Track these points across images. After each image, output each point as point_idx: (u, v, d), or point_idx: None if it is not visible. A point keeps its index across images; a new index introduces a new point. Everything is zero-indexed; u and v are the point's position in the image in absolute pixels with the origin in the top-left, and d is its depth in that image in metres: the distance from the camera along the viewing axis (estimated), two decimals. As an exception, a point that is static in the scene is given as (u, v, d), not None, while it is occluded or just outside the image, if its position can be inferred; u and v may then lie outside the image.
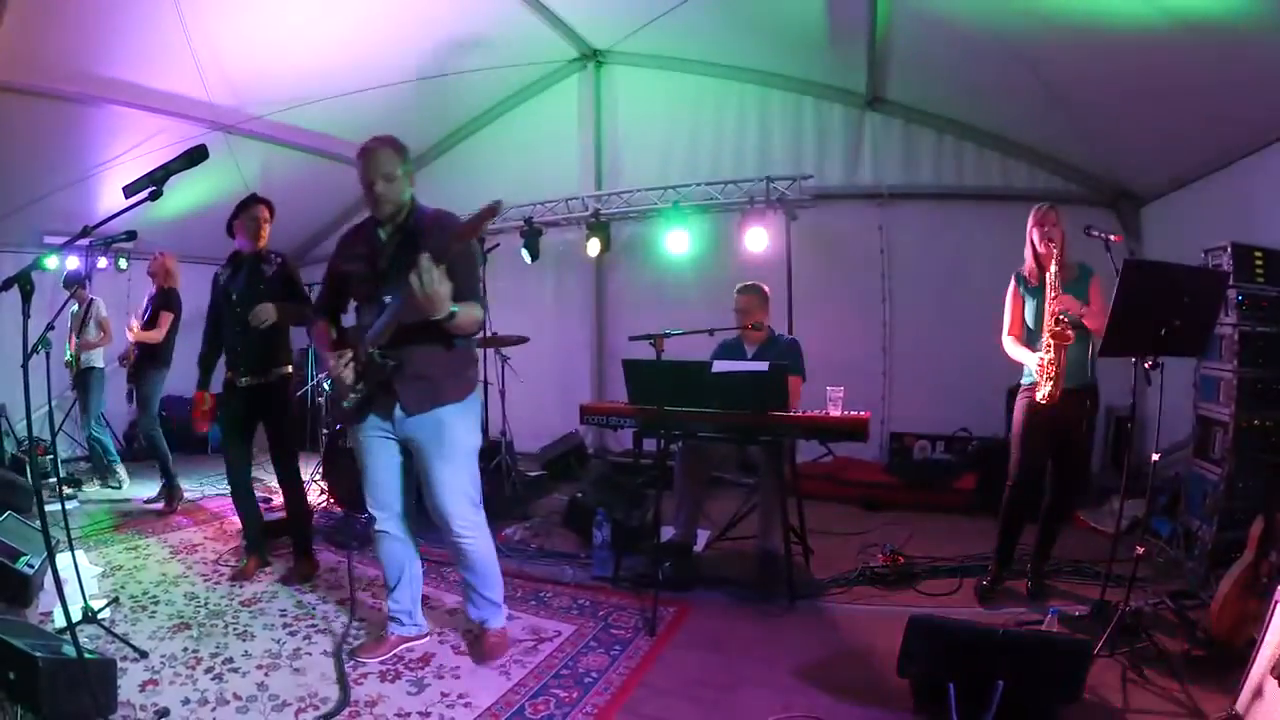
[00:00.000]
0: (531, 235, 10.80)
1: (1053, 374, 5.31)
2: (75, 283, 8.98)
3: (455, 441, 4.59)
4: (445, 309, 4.00)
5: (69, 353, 9.13)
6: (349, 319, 4.89)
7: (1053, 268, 5.39)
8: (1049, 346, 5.30)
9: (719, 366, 5.99)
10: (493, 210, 3.97)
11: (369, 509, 4.81)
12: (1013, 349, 5.81)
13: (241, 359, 6.18)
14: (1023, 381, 5.73)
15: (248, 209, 6.28)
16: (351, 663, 4.72)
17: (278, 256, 6.30)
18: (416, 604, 5.04)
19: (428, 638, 5.12)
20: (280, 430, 6.28)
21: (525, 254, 10.85)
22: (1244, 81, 6.13)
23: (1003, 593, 5.83)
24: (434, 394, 4.51)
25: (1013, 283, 5.86)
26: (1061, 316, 5.26)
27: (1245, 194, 6.89)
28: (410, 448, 4.66)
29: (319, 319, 4.89)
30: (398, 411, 4.53)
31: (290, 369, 6.32)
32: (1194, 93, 6.61)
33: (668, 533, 6.53)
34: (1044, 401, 5.37)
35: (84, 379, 9.21)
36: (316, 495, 8.91)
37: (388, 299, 4.38)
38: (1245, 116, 6.50)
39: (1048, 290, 5.40)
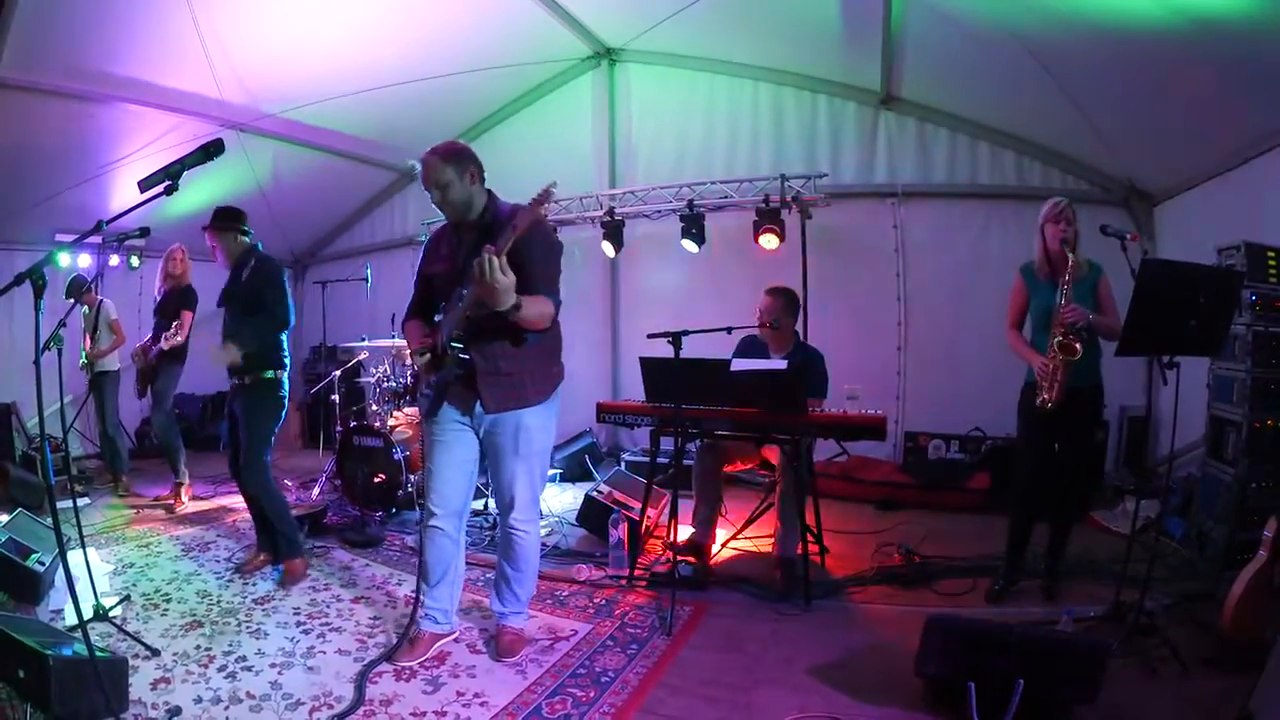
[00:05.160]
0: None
1: (1055, 381, 5.33)
2: (81, 288, 8.94)
3: (532, 442, 4.70)
4: (507, 301, 4.05)
5: (85, 355, 9.12)
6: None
7: (1067, 276, 5.37)
8: (1054, 356, 5.31)
9: (737, 365, 5.98)
10: (545, 195, 4.03)
11: (428, 503, 4.80)
12: (1015, 345, 5.81)
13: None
14: (1027, 380, 5.72)
15: (205, 234, 6.38)
16: (391, 668, 4.69)
17: (255, 261, 6.31)
18: (454, 603, 5.05)
19: (456, 635, 5.13)
20: (249, 433, 6.21)
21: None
22: (1258, 81, 6.09)
23: (1016, 593, 5.80)
24: (516, 395, 4.60)
25: (1018, 276, 5.84)
26: (1070, 336, 5.26)
27: (1259, 193, 6.84)
28: (485, 440, 4.73)
29: (410, 320, 4.97)
30: (477, 407, 4.61)
31: (277, 373, 6.27)
32: (1208, 92, 6.57)
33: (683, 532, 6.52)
34: (1042, 406, 5.38)
35: (99, 382, 9.23)
36: (331, 493, 8.93)
37: (463, 293, 4.42)
38: (1259, 116, 6.46)
39: (1060, 297, 5.38)
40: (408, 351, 4.67)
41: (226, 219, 6.34)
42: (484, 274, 3.88)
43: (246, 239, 6.36)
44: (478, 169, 4.63)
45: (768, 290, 6.79)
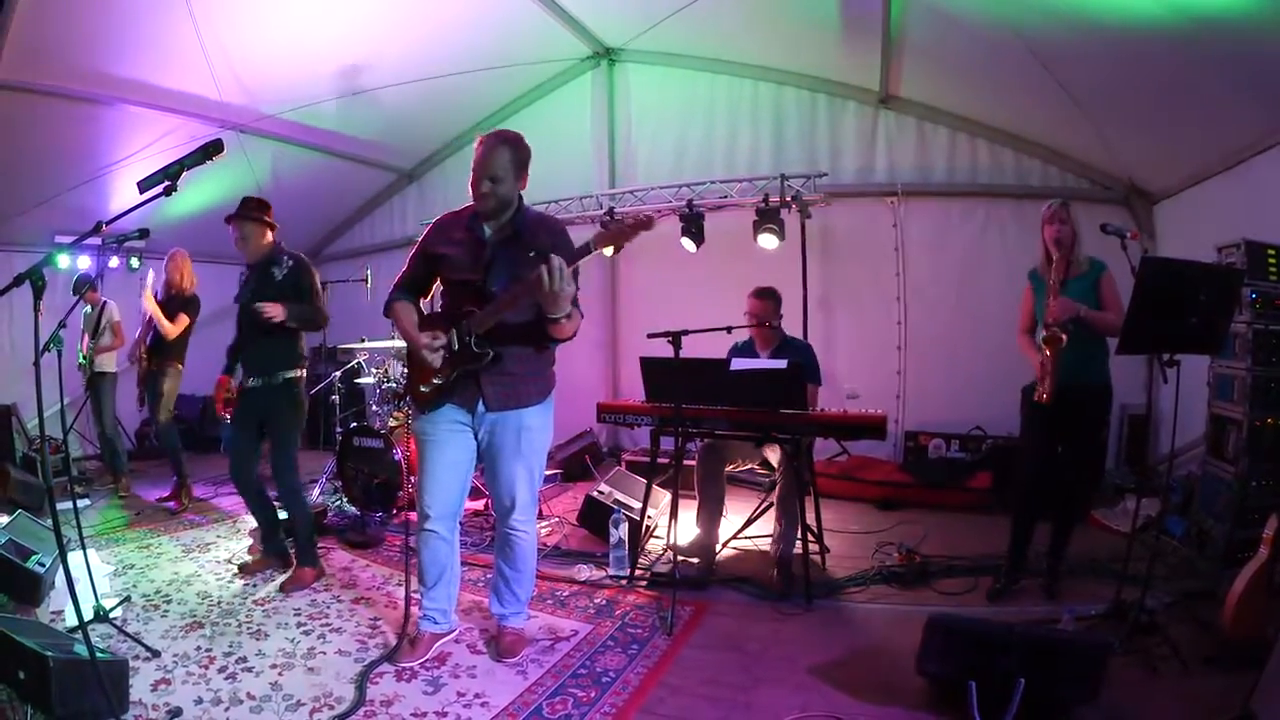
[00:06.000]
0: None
1: (1047, 373, 5.36)
2: (86, 285, 8.94)
3: (532, 442, 4.68)
4: (566, 309, 4.11)
5: (82, 355, 9.13)
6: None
7: (1053, 274, 5.47)
8: (1042, 350, 5.36)
9: (737, 364, 6.00)
10: (646, 224, 4.03)
11: (421, 506, 4.76)
12: (1022, 347, 5.84)
13: (249, 362, 6.19)
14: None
15: (232, 224, 6.20)
16: (392, 668, 4.68)
17: (290, 259, 6.20)
18: (452, 603, 5.03)
19: (456, 633, 5.13)
20: (280, 435, 6.17)
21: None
22: (1257, 79, 6.10)
23: (1017, 592, 5.81)
24: (517, 394, 4.59)
25: (1028, 282, 5.86)
26: (1055, 328, 5.29)
27: (1259, 191, 6.85)
28: (483, 440, 4.70)
29: (402, 299, 4.84)
30: (479, 406, 4.58)
31: (300, 373, 6.23)
32: (1207, 90, 6.58)
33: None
34: (1040, 400, 5.41)
35: (95, 384, 9.24)
36: (331, 494, 8.94)
37: (494, 289, 4.42)
38: (1258, 113, 6.47)
39: (1048, 294, 5.46)
40: (419, 340, 4.51)
41: (260, 209, 6.23)
42: (555, 280, 3.91)
43: (272, 235, 6.29)
44: (527, 172, 4.61)
45: (757, 294, 6.82)
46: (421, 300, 4.95)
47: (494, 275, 4.46)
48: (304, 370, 6.29)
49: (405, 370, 6.56)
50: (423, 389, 4.66)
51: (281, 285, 6.07)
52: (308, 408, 6.42)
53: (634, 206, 10.43)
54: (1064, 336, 5.26)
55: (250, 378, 6.16)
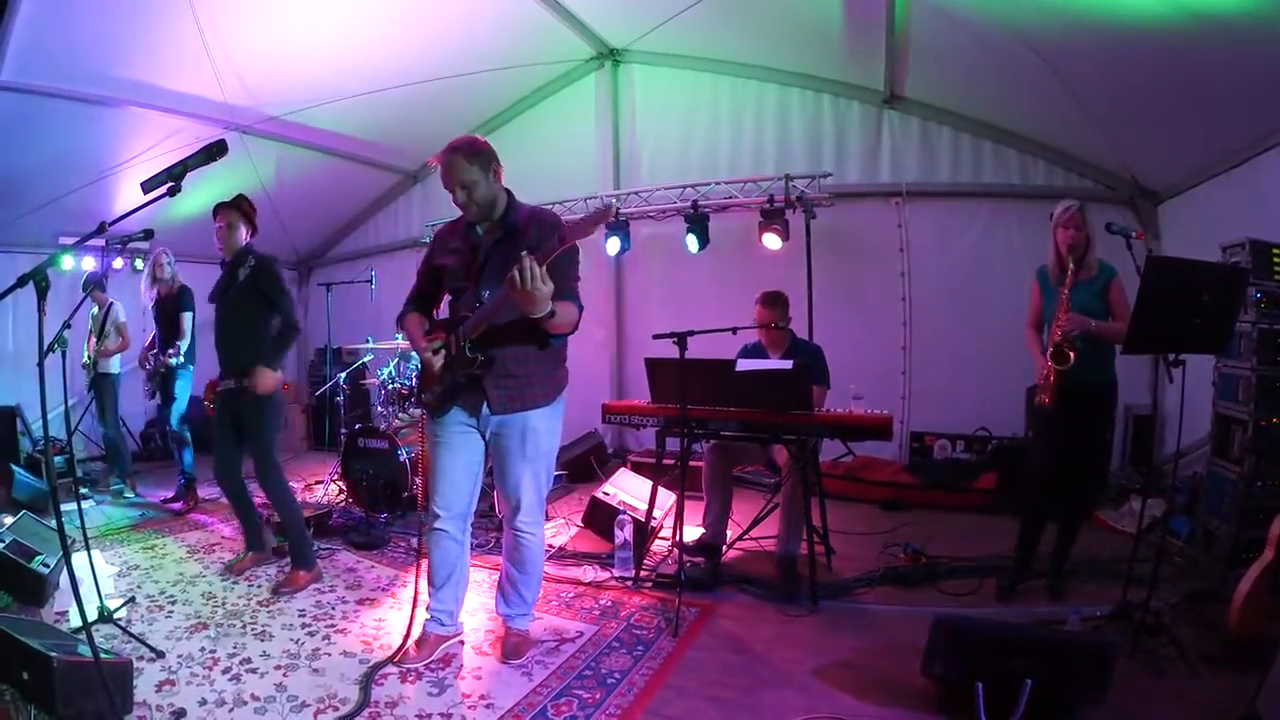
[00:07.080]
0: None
1: (1049, 384, 5.36)
2: (94, 284, 8.95)
3: (539, 444, 4.67)
4: (545, 308, 4.00)
5: (87, 355, 9.14)
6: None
7: (1065, 285, 5.44)
8: (1047, 363, 5.37)
9: (743, 365, 5.97)
10: (605, 214, 4.00)
11: (432, 506, 4.78)
12: (1029, 345, 5.81)
13: (223, 362, 6.20)
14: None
15: (219, 214, 6.26)
16: (397, 669, 4.68)
17: (254, 260, 6.16)
18: (459, 604, 5.03)
19: (461, 635, 5.12)
20: (254, 436, 6.15)
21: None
22: (1262, 78, 6.08)
23: (1022, 593, 5.80)
24: (522, 396, 4.57)
25: (1035, 279, 5.83)
26: (1065, 344, 5.30)
27: (1263, 191, 6.83)
28: (490, 442, 4.71)
29: (412, 312, 4.89)
30: (484, 409, 4.58)
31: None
32: (1212, 89, 6.56)
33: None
34: (1040, 404, 5.43)
35: (99, 384, 9.24)
36: (335, 495, 8.94)
37: (485, 294, 4.42)
38: (1263, 113, 6.46)
39: (1056, 305, 5.44)
40: (421, 347, 4.55)
41: (248, 205, 6.29)
42: (525, 281, 3.82)
43: (250, 235, 6.30)
44: (499, 165, 4.56)
45: (763, 302, 6.77)
46: (435, 311, 4.99)
47: (485, 280, 4.47)
48: (278, 370, 6.17)
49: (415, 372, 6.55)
50: (427, 396, 4.71)
51: (243, 286, 6.09)
52: (284, 408, 6.37)
53: (639, 207, 10.44)
54: (1072, 355, 5.26)
55: (226, 378, 6.17)
